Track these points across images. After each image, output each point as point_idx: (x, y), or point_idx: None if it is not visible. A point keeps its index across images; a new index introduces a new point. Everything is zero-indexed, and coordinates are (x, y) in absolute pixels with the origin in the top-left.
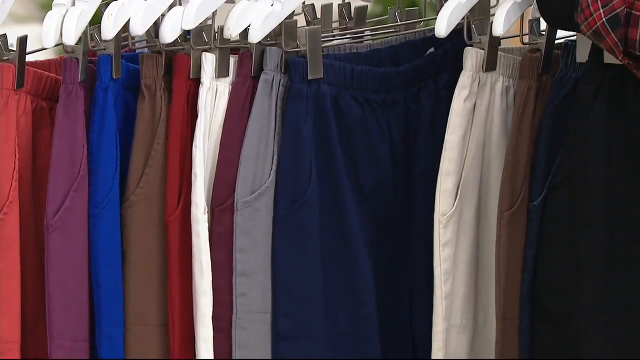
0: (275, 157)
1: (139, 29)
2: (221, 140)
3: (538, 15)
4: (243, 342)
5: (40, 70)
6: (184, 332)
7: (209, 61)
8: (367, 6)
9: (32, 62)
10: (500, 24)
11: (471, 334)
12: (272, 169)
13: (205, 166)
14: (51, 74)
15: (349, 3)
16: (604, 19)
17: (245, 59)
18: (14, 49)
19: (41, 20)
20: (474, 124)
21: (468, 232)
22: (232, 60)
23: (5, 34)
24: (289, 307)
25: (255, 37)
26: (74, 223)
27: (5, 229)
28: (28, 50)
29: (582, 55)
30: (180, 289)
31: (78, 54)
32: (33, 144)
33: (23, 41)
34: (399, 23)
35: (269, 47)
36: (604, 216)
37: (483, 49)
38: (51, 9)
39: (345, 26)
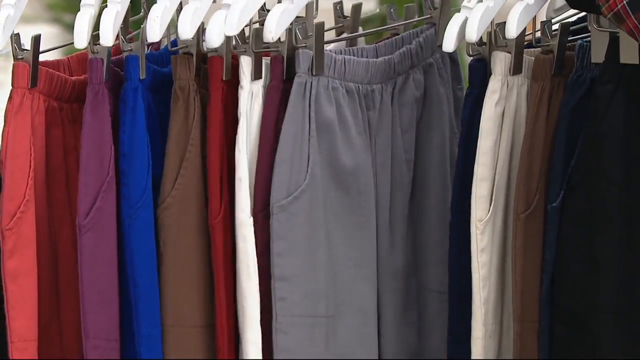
0: (310, 160)
1: (187, 33)
2: (259, 145)
3: (552, 14)
4: (284, 347)
5: (51, 70)
6: (230, 332)
7: (247, 64)
8: (361, 3)
9: (41, 62)
10: (513, 27)
11: (498, 338)
12: (307, 172)
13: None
14: (61, 74)
15: (341, 1)
16: (625, 2)
17: (277, 62)
18: (27, 48)
19: (48, 20)
20: (503, 128)
21: (498, 236)
22: (263, 63)
23: (19, 33)
24: (467, 309)
25: None
26: (104, 223)
27: (22, 227)
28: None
29: (597, 55)
30: (227, 290)
31: (102, 54)
32: (45, 143)
33: (37, 40)
34: (396, 23)
35: (300, 49)
36: (622, 216)
37: (509, 52)
38: (57, 9)
39: (341, 24)
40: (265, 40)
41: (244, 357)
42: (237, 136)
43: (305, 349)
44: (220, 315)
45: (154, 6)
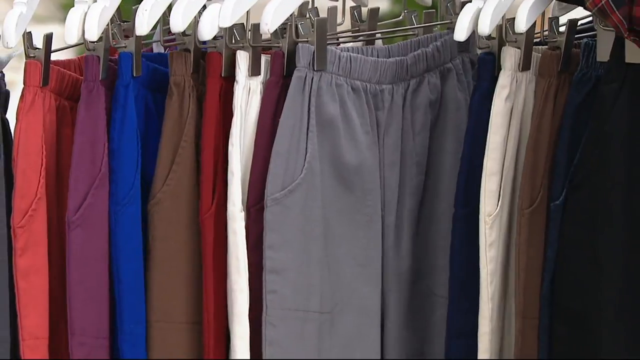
0: (308, 154)
1: (179, 25)
2: (255, 139)
3: (557, 13)
4: (273, 340)
5: (62, 69)
6: (218, 329)
7: (242, 59)
8: (379, 8)
9: (53, 61)
10: (522, 21)
11: (500, 334)
12: (304, 166)
13: (241, 164)
14: (72, 74)
15: (359, 6)
16: None
17: (277, 57)
18: (39, 47)
19: (61, 20)
20: (511, 123)
21: (504, 231)
22: (263, 59)
23: (31, 32)
24: (467, 304)
25: None
26: (95, 220)
27: (34, 225)
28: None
29: (603, 54)
30: (215, 286)
31: (99, 52)
32: (57, 141)
33: (49, 39)
34: (415, 25)
35: (300, 44)
36: (624, 216)
37: (519, 48)
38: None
39: (357, 28)
40: (261, 31)
41: (232, 353)
42: (230, 130)
43: (294, 343)
44: (207, 312)
45: (145, 0)
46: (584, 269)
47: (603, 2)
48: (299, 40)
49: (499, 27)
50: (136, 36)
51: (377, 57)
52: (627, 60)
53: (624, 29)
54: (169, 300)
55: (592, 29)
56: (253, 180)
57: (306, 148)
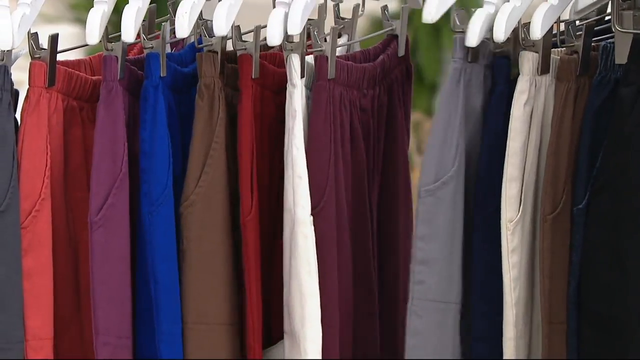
0: (460, 147)
1: (223, 29)
2: (308, 145)
3: (574, 17)
4: (417, 330)
5: (70, 69)
6: (260, 330)
7: (297, 63)
8: (359, 4)
9: (61, 61)
10: (537, 28)
11: (528, 338)
12: (456, 158)
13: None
14: (81, 73)
15: (337, 4)
16: None
17: (322, 61)
18: (45, 47)
19: (71, 19)
20: (532, 128)
21: (527, 237)
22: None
23: (36, 32)
24: (486, 307)
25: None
26: (116, 220)
27: (37, 226)
28: (58, 49)
29: (621, 56)
30: (257, 289)
31: (117, 52)
32: (64, 142)
33: (54, 39)
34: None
35: (459, 35)
36: None
37: (536, 52)
38: (80, 9)
39: (342, 26)
40: (423, 20)
41: (302, 356)
42: (293, 134)
43: (435, 333)
44: (251, 314)
45: (182, 2)
46: (609, 272)
47: None
48: (456, 30)
49: (514, 31)
50: (163, 37)
51: None
52: None
53: None
54: (206, 301)
55: (609, 30)
56: (310, 186)
57: (457, 140)
